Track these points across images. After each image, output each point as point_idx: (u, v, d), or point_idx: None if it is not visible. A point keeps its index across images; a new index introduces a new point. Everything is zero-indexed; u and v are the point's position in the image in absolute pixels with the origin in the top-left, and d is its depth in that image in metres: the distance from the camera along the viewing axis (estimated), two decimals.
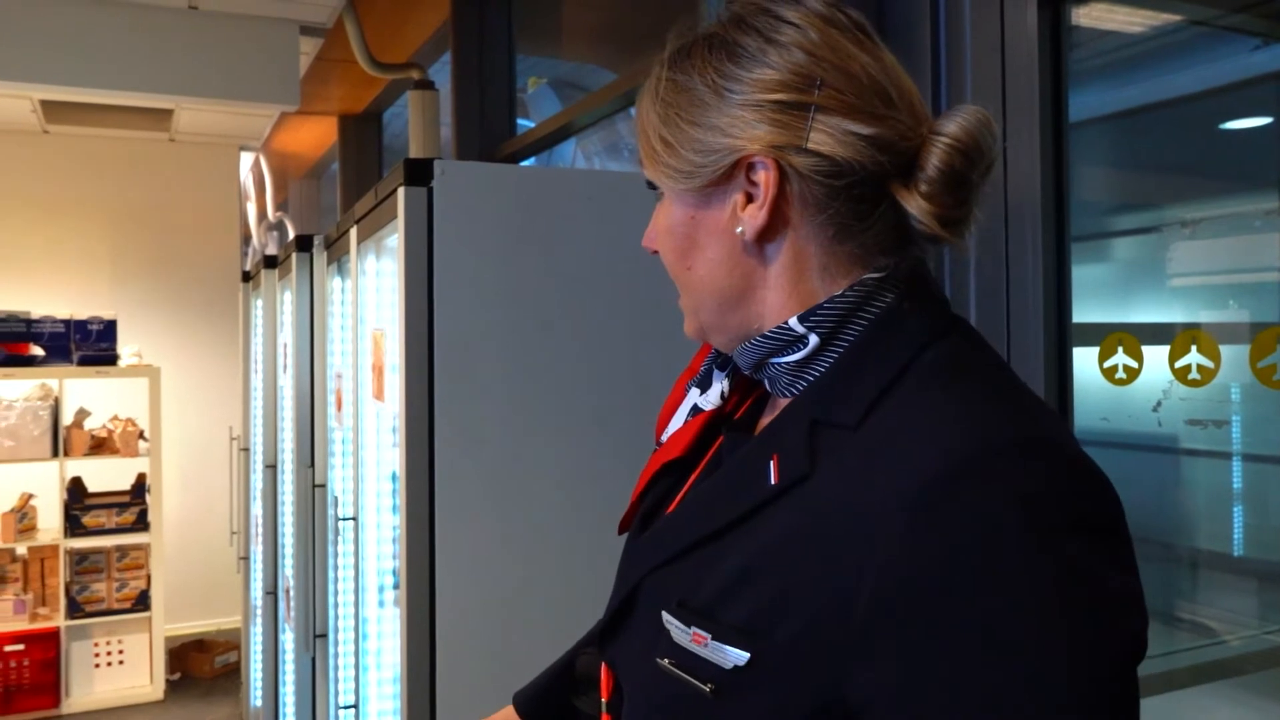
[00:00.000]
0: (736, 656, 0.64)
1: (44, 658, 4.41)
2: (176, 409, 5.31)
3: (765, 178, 0.70)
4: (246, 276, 3.97)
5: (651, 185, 0.79)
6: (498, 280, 1.61)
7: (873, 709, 0.59)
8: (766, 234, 0.72)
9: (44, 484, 4.55)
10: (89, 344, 4.49)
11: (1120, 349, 1.43)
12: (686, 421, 0.85)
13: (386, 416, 1.97)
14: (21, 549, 4.47)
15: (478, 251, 1.59)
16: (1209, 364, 1.33)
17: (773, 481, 0.68)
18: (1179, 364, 1.36)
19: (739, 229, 0.72)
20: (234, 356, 5.41)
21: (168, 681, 4.81)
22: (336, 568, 2.43)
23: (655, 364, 1.71)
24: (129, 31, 3.62)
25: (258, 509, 3.69)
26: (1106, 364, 1.44)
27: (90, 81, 3.61)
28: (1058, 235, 1.49)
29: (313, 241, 2.71)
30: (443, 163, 1.57)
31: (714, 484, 0.75)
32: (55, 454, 4.43)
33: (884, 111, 0.69)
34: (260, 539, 3.58)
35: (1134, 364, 1.41)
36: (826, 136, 0.69)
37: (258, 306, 3.71)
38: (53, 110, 4.59)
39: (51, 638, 4.44)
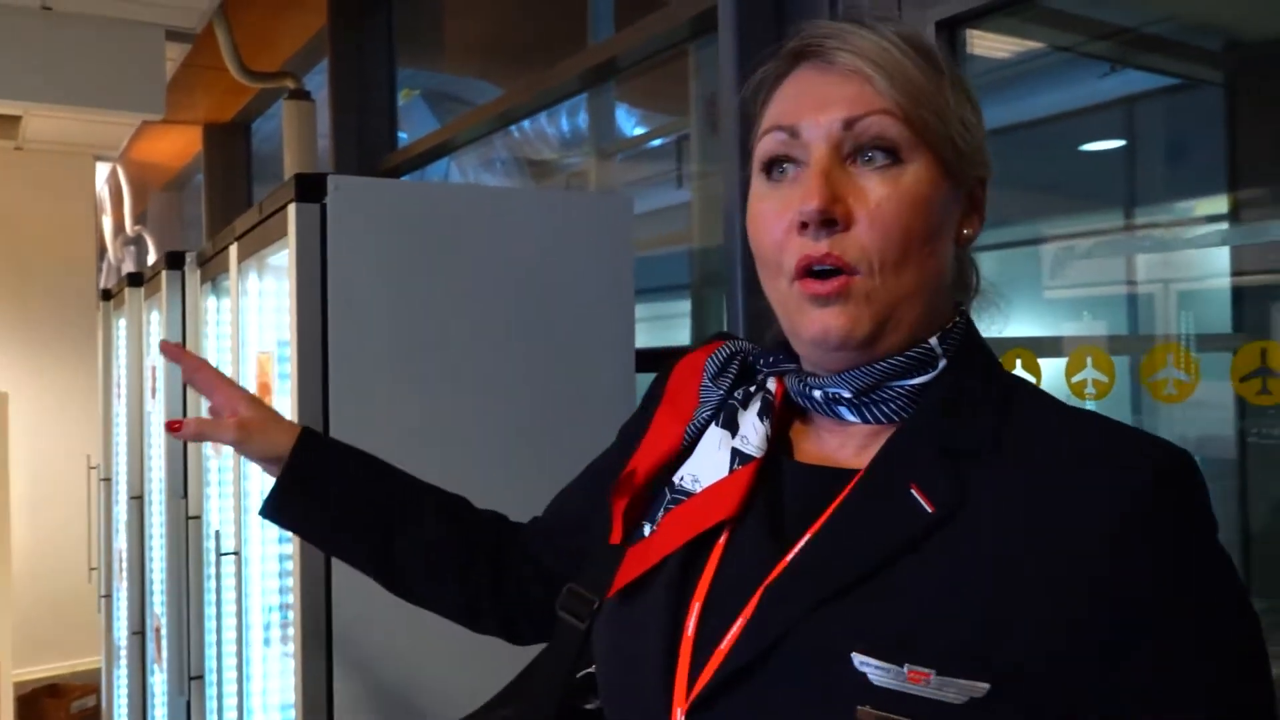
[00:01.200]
0: (972, 688, 0.60)
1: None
2: (27, 436, 4.95)
3: (982, 195, 0.76)
4: (107, 295, 3.73)
5: (880, 151, 0.70)
6: (394, 300, 1.54)
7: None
8: (962, 246, 0.76)
9: None
10: None
11: (1019, 365, 1.47)
12: (735, 471, 0.75)
13: None
14: None
15: (373, 270, 1.52)
16: (1104, 379, 1.37)
17: (930, 510, 0.65)
18: (1075, 379, 1.40)
19: (965, 230, 0.75)
20: (91, 380, 5.07)
21: None
22: (215, 604, 2.28)
23: (556, 381, 1.67)
24: None
25: (122, 543, 3.46)
26: None
27: None
28: None
29: (184, 259, 2.55)
30: (336, 178, 1.49)
31: (846, 522, 0.69)
32: None
33: None
34: (125, 575, 3.35)
35: (1031, 379, 1.45)
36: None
37: (120, 327, 3.49)
38: None
39: None
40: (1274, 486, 1.49)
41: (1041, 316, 1.79)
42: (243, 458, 1.93)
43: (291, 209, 1.47)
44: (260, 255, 1.80)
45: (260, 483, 1.93)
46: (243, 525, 1.93)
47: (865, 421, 0.73)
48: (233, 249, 1.95)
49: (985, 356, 0.74)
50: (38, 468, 5.01)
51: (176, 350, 1.03)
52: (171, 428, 0.98)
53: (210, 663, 2.37)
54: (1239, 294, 1.62)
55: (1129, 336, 1.57)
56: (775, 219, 0.71)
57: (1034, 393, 0.72)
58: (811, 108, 0.71)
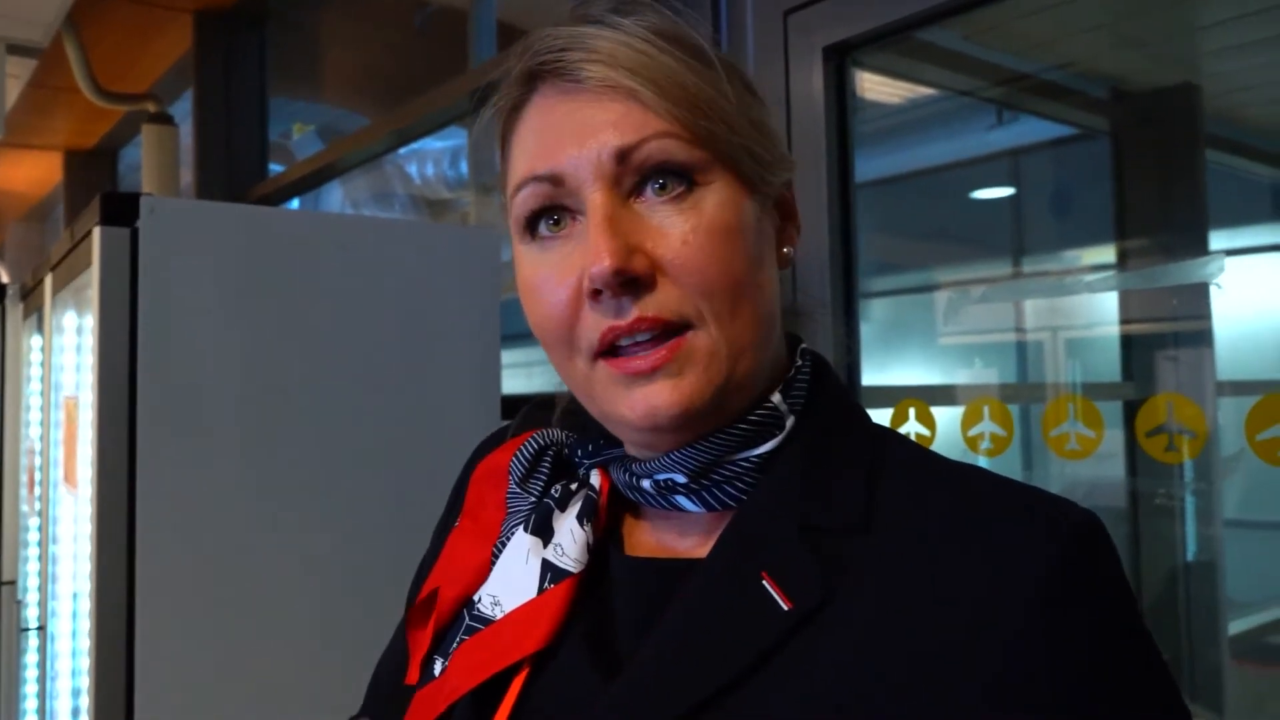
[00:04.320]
0: None
1: None
2: None
3: (793, 198, 0.63)
4: None
5: (671, 175, 0.55)
6: (222, 338, 1.35)
7: None
8: (783, 269, 0.62)
9: None
10: None
11: (912, 415, 1.37)
12: (545, 591, 0.59)
13: (84, 504, 1.63)
14: None
15: (196, 305, 1.33)
16: (1002, 433, 1.28)
17: (785, 608, 0.51)
18: (971, 432, 1.30)
19: (786, 249, 0.61)
20: None
21: None
22: (27, 682, 2.01)
23: (411, 432, 1.49)
24: None
25: None
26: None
27: None
28: (846, 294, 1.42)
29: (4, 291, 2.29)
30: (151, 199, 1.30)
31: (686, 629, 0.54)
32: None
33: None
34: None
35: (926, 432, 1.35)
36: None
37: None
38: None
39: None
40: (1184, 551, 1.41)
41: (933, 363, 1.71)
42: (51, 515, 1.69)
43: (96, 233, 1.27)
44: (76, 286, 1.58)
45: (72, 545, 1.69)
46: (51, 595, 1.68)
47: (709, 509, 0.58)
48: (48, 280, 1.72)
49: (842, 404, 0.60)
50: None
51: None
52: None
53: None
54: (1127, 341, 1.57)
55: (1020, 385, 1.49)
56: (555, 289, 0.56)
57: (905, 446, 0.59)
58: (570, 143, 0.56)
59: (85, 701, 1.34)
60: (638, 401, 0.55)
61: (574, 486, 0.63)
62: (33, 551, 2.13)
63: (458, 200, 3.17)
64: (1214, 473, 1.18)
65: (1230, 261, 1.10)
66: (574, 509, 0.62)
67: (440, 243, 1.59)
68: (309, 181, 3.34)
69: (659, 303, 0.54)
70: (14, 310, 2.23)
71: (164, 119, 3.59)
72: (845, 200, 1.41)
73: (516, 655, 0.58)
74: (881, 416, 1.40)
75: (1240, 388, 1.28)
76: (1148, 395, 1.47)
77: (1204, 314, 1.42)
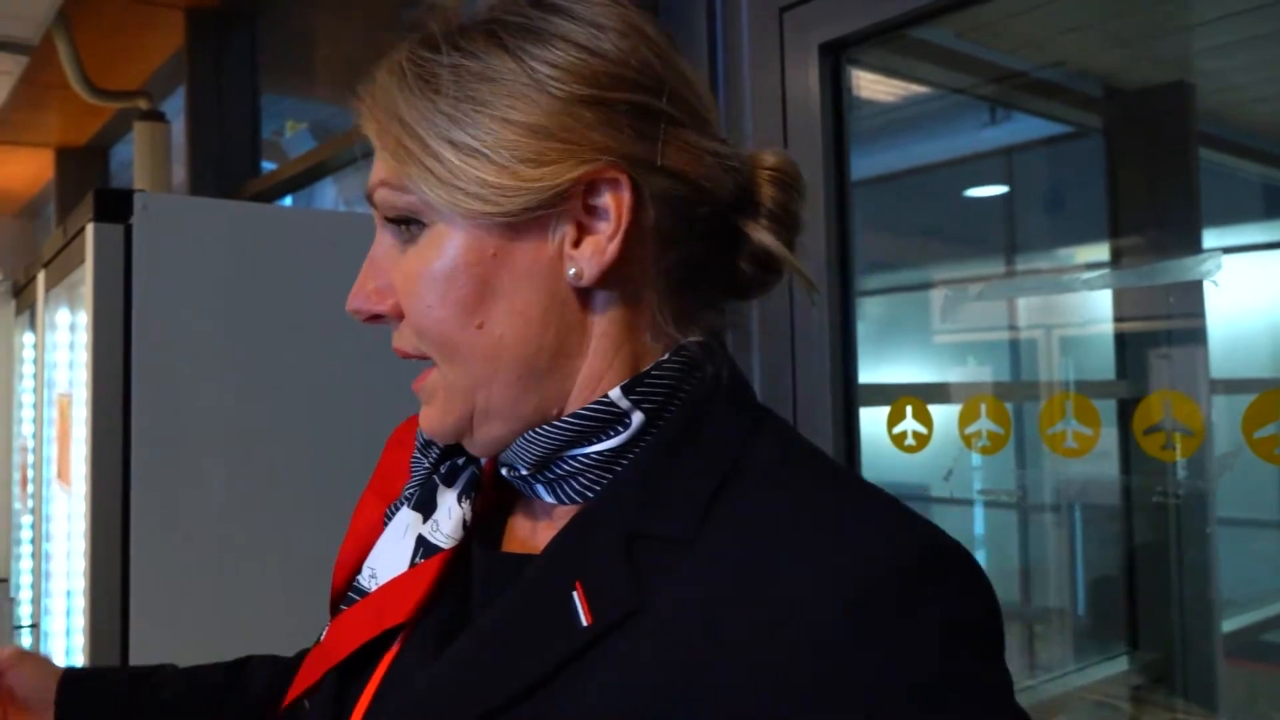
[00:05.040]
0: None
1: None
2: None
3: (617, 201, 0.53)
4: None
5: (403, 221, 0.56)
6: (216, 335, 1.34)
7: None
8: (604, 278, 0.54)
9: None
10: None
11: (909, 412, 1.37)
12: (417, 565, 0.60)
13: (78, 501, 1.63)
14: None
15: (189, 302, 1.32)
16: (999, 430, 1.28)
17: (584, 623, 0.50)
18: (969, 429, 1.31)
19: (571, 270, 0.54)
20: None
21: None
22: None
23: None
24: None
25: None
26: (896, 429, 1.37)
27: None
28: (842, 292, 1.42)
29: None
30: (145, 195, 1.30)
31: (491, 631, 0.54)
32: None
33: (720, 127, 0.57)
34: None
35: (923, 430, 1.35)
36: (681, 152, 0.55)
37: None
38: None
39: None
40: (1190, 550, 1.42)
41: (929, 361, 1.72)
42: (45, 513, 1.69)
43: (90, 229, 1.26)
44: (69, 283, 1.57)
45: (65, 543, 1.68)
46: (45, 593, 1.68)
47: (561, 502, 0.57)
48: (40, 276, 1.72)
49: (711, 406, 0.56)
50: None
51: None
52: None
53: None
54: (1122, 339, 1.57)
55: (1016, 383, 1.50)
56: None
57: (778, 446, 0.56)
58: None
59: None
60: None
61: (461, 462, 0.63)
62: (26, 549, 2.12)
63: None
64: (1210, 471, 1.18)
65: (1223, 260, 1.11)
66: (458, 486, 0.62)
67: None
68: (302, 179, 3.33)
69: (401, 336, 0.58)
70: (6, 307, 2.22)
71: (156, 116, 3.57)
72: (841, 198, 1.41)
73: (381, 627, 0.59)
74: (878, 414, 1.40)
75: (1234, 385, 1.28)
76: (1142, 393, 1.48)
77: (1198, 312, 1.42)
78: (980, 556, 1.37)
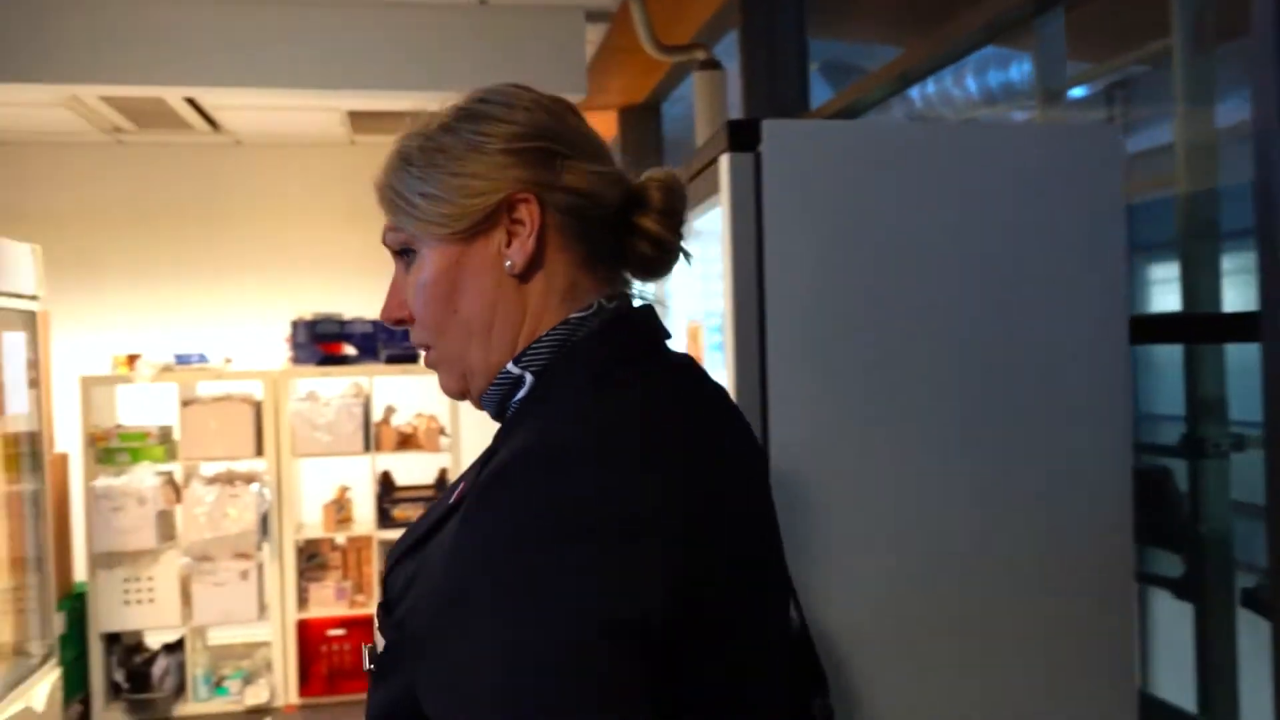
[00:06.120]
0: (380, 642, 0.82)
1: (363, 642, 4.61)
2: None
3: (530, 212, 0.81)
4: None
5: (403, 252, 0.85)
6: (839, 260, 1.33)
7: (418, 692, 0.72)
8: (529, 265, 0.81)
9: (357, 477, 4.78)
10: (394, 343, 4.66)
11: None
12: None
13: None
14: (340, 538, 4.73)
15: (813, 227, 1.32)
16: None
17: (450, 501, 0.82)
18: None
19: (508, 263, 0.81)
20: None
21: None
22: None
23: (1028, 356, 1.37)
24: (420, 31, 3.67)
25: None
26: None
27: (392, 85, 3.69)
28: None
29: None
30: (772, 123, 1.31)
31: (437, 506, 0.86)
32: (367, 449, 4.63)
33: (608, 156, 0.85)
34: None
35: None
36: (573, 175, 0.82)
37: None
38: (359, 121, 4.82)
39: (369, 624, 4.64)
40: None
41: None
42: None
43: (724, 160, 1.31)
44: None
45: None
46: None
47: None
48: None
49: (576, 363, 0.81)
50: (486, 433, 5.50)
51: None
52: None
53: None
54: None
55: None
56: None
57: (579, 390, 0.79)
58: None
59: None
60: None
61: None
62: None
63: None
64: None
65: None
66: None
67: (1056, 146, 1.43)
68: (841, 117, 3.31)
69: (415, 333, 0.87)
70: None
71: (713, 65, 3.77)
72: None
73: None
74: None
75: None
76: None
77: None
78: None
